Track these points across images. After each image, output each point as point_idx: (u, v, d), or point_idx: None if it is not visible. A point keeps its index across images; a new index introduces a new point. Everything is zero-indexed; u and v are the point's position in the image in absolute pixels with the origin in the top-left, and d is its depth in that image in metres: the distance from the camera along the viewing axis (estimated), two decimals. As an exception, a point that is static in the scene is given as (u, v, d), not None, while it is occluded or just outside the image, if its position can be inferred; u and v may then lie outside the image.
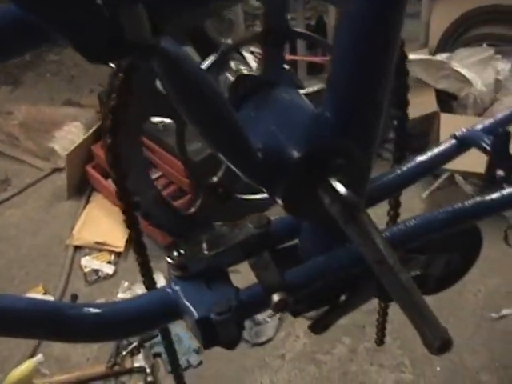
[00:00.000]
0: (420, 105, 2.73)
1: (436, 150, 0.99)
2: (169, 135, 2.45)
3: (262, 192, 0.82)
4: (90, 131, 2.96)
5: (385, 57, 0.69)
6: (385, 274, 0.70)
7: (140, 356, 2.12)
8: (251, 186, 0.82)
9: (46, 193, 3.00)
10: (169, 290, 0.76)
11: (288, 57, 3.04)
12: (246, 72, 0.87)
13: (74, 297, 2.40)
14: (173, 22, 0.61)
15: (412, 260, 0.90)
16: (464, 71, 2.80)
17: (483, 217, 0.89)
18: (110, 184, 2.68)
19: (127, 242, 2.52)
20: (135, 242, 0.88)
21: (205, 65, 0.83)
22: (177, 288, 0.75)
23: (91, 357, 2.16)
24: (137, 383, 2.05)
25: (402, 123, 0.97)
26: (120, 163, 0.79)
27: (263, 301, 0.74)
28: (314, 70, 3.26)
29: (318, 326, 0.89)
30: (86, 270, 2.50)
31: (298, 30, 0.90)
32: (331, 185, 0.70)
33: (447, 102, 2.91)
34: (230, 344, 0.76)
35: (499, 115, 1.05)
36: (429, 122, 2.77)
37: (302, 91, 0.91)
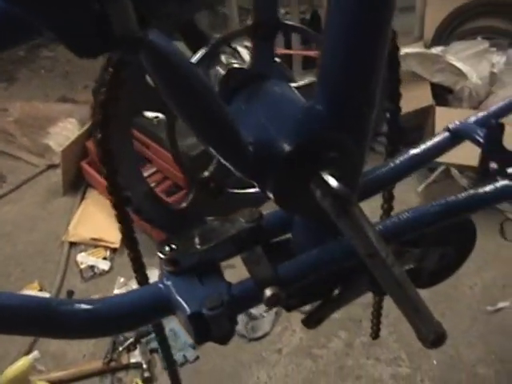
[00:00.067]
0: (415, 98, 2.73)
1: (429, 143, 0.99)
2: (164, 130, 2.42)
3: (254, 186, 0.82)
4: (85, 127, 2.96)
5: (376, 48, 0.69)
6: (377, 267, 0.69)
7: (136, 352, 2.12)
8: (243, 181, 0.81)
9: (41, 189, 3.00)
10: (161, 286, 0.75)
11: (283, 51, 3.03)
12: (236, 65, 0.86)
13: (70, 293, 2.40)
14: (160, 15, 0.60)
15: (406, 253, 0.89)
16: (459, 64, 2.80)
17: (477, 209, 0.88)
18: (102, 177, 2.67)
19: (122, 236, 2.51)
20: (127, 237, 0.88)
21: (195, 58, 0.83)
22: (169, 283, 0.75)
23: (87, 353, 2.15)
24: (133, 379, 2.05)
25: (394, 116, 0.97)
26: (110, 158, 0.78)
27: (256, 295, 0.74)
28: (309, 64, 3.25)
29: (312, 321, 0.89)
30: (82, 267, 2.49)
31: (288, 22, 0.89)
32: (323, 178, 0.70)
33: (442, 95, 2.91)
34: (223, 339, 0.75)
35: (492, 107, 1.05)
36: (424, 116, 2.77)
37: (293, 84, 0.91)
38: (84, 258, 2.53)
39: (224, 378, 2.04)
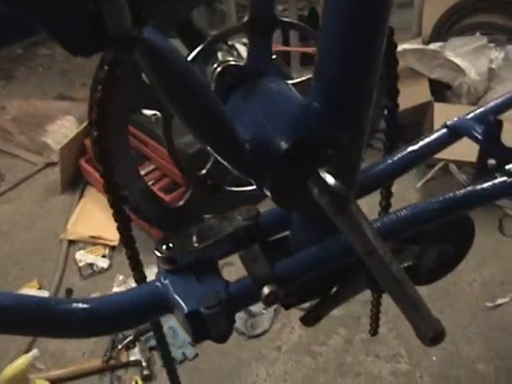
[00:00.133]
0: (413, 94, 2.73)
1: (427, 140, 0.99)
2: (161, 128, 2.43)
3: (251, 184, 0.82)
4: (83, 125, 2.95)
5: (373, 45, 0.69)
6: (375, 265, 0.69)
7: (136, 350, 2.11)
8: (241, 179, 0.81)
9: (39, 187, 2.99)
10: (158, 284, 0.75)
11: (281, 48, 3.03)
12: (233, 62, 0.86)
13: (69, 291, 2.39)
14: (155, 13, 0.60)
15: (404, 250, 0.89)
16: (457, 60, 2.79)
17: (475, 206, 0.88)
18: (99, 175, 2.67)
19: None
20: (124, 236, 0.88)
21: (191, 56, 0.82)
22: (166, 282, 0.75)
23: (87, 351, 2.15)
24: (133, 377, 2.05)
25: (392, 112, 0.96)
26: (107, 156, 0.78)
27: (253, 293, 0.74)
28: (307, 60, 3.25)
29: (310, 318, 0.89)
30: (81, 264, 2.48)
31: (285, 19, 0.89)
32: (320, 176, 0.70)
33: (441, 91, 2.90)
34: (221, 338, 0.75)
35: (490, 104, 1.05)
36: (422, 112, 2.76)
37: (290, 81, 0.91)
38: (83, 256, 2.52)
39: (223, 375, 2.03)
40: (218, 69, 0.85)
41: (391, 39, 0.87)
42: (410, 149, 0.97)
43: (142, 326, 2.06)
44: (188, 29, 0.87)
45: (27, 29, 0.62)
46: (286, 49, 3.06)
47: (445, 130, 1.00)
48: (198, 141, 0.76)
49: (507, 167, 0.90)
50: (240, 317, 2.14)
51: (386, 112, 0.96)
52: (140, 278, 0.93)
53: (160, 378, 2.04)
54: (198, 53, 0.83)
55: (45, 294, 2.36)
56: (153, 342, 2.11)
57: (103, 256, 2.52)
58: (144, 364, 2.06)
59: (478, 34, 2.96)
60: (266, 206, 0.85)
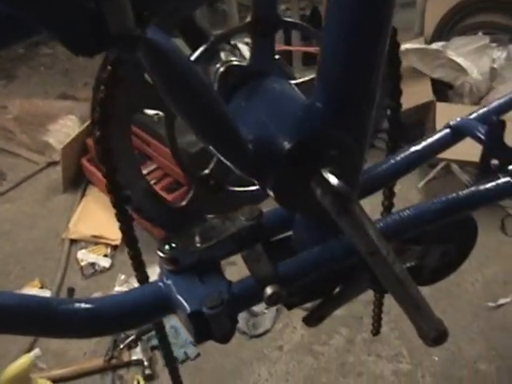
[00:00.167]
0: (416, 94, 2.72)
1: (430, 140, 0.99)
2: (164, 127, 2.43)
3: (254, 184, 0.82)
4: (85, 124, 2.95)
5: (376, 45, 0.68)
6: (378, 265, 0.69)
7: (138, 349, 2.11)
8: (243, 178, 0.81)
9: (41, 187, 2.99)
10: (161, 284, 0.75)
11: (283, 47, 3.02)
12: (235, 62, 0.86)
13: (71, 290, 2.39)
14: (158, 12, 0.60)
15: (407, 251, 0.89)
16: (460, 60, 2.79)
17: (478, 207, 0.88)
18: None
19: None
20: (127, 236, 0.88)
21: (194, 56, 0.82)
22: (169, 282, 0.75)
23: (88, 351, 2.15)
24: (135, 376, 2.05)
25: (395, 112, 0.96)
26: (110, 156, 0.78)
27: (256, 294, 0.74)
28: (309, 60, 3.24)
29: (313, 318, 0.89)
30: (83, 264, 2.49)
31: (288, 19, 0.89)
32: (323, 176, 0.69)
33: (443, 91, 2.90)
34: (224, 338, 0.75)
35: (493, 104, 1.04)
36: (425, 112, 2.76)
37: (293, 81, 0.90)
38: (85, 256, 2.52)
39: (225, 374, 2.03)
40: (221, 69, 0.85)
41: (394, 39, 0.86)
42: (413, 149, 0.96)
43: (144, 326, 2.06)
44: (191, 28, 0.87)
45: (28, 29, 0.62)
46: (287, 48, 3.05)
47: (448, 130, 1.00)
48: (200, 141, 0.76)
49: (510, 167, 0.90)
50: (242, 316, 2.14)
51: (388, 112, 0.96)
52: (142, 277, 0.93)
53: (162, 377, 2.04)
54: (201, 53, 0.83)
55: (47, 293, 2.36)
56: (155, 342, 2.11)
57: (105, 255, 2.52)
58: (146, 363, 2.06)
59: (480, 33, 2.96)
60: (269, 206, 0.85)
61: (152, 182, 2.46)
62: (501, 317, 2.13)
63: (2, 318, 0.68)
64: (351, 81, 0.70)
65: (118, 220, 0.84)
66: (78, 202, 2.82)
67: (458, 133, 0.99)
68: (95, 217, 2.69)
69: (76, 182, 2.93)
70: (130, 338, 2.12)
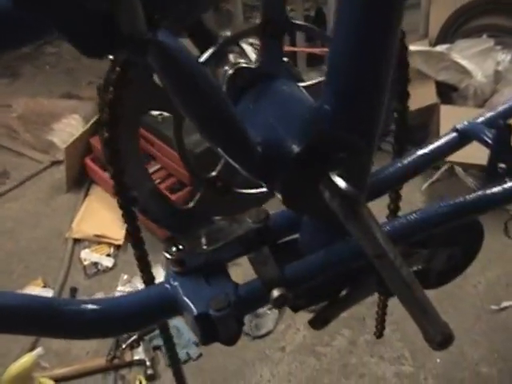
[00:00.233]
0: (420, 96, 2.72)
1: (437, 143, 0.99)
2: (168, 127, 2.43)
3: (261, 186, 0.81)
4: (89, 124, 2.95)
5: (385, 48, 0.68)
6: (385, 268, 0.69)
7: (140, 349, 2.12)
8: (251, 180, 0.81)
9: (44, 186, 2.99)
10: (167, 286, 0.75)
11: (287, 48, 3.02)
12: (244, 65, 0.86)
13: (74, 290, 2.39)
14: (170, 15, 0.60)
15: (414, 254, 0.89)
16: (464, 62, 2.79)
17: (485, 211, 0.88)
18: (108, 177, 2.67)
19: (127, 234, 2.51)
20: (134, 237, 0.88)
21: (203, 58, 0.82)
22: (175, 284, 0.75)
23: (91, 350, 2.15)
24: (137, 376, 2.05)
25: (402, 115, 0.96)
26: (118, 158, 0.78)
27: (263, 296, 0.74)
28: (313, 61, 3.24)
29: (318, 321, 0.89)
30: (86, 263, 2.49)
31: (298, 21, 0.88)
32: (331, 179, 0.69)
33: (447, 93, 2.90)
34: (230, 340, 0.75)
35: (500, 107, 1.04)
36: (429, 114, 2.76)
37: (301, 84, 0.90)
38: (87, 255, 2.52)
39: (227, 375, 2.04)
40: (230, 71, 0.85)
41: (403, 42, 0.86)
42: (420, 152, 0.96)
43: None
44: (199, 30, 0.87)
45: (39, 30, 0.62)
46: (292, 49, 3.05)
47: (455, 134, 0.99)
48: (208, 143, 0.75)
49: (517, 172, 0.90)
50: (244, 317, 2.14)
51: (396, 115, 0.96)
52: (148, 278, 0.93)
53: (164, 377, 2.04)
54: (209, 55, 0.82)
55: (49, 292, 2.36)
56: (157, 342, 2.12)
57: (108, 255, 2.52)
58: (148, 363, 2.06)
59: (484, 36, 2.95)
60: (275, 208, 0.85)
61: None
62: (503, 319, 2.13)
63: (8, 318, 0.69)
64: (360, 84, 0.70)
65: (126, 222, 0.84)
66: (82, 201, 2.82)
67: (464, 137, 0.99)
68: (98, 216, 2.69)
69: (79, 182, 2.93)
70: (133, 338, 2.12)
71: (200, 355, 2.09)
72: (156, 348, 2.12)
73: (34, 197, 2.93)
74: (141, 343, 2.13)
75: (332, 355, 2.07)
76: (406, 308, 0.71)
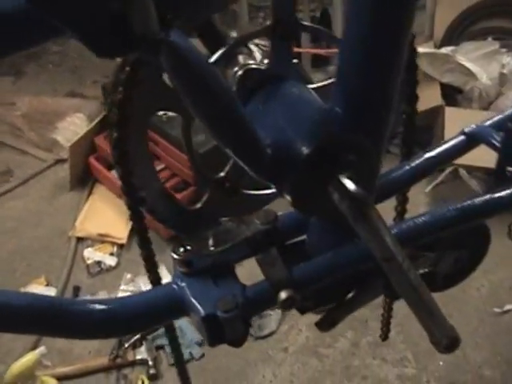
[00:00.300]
0: (425, 98, 2.71)
1: (445, 146, 0.99)
2: (173, 127, 2.43)
3: (270, 187, 0.81)
4: (93, 122, 2.94)
5: (395, 50, 0.68)
6: (393, 271, 0.69)
7: (142, 348, 2.12)
8: (259, 181, 0.81)
9: (48, 184, 2.99)
10: (174, 287, 0.75)
11: (292, 49, 3.01)
12: (254, 66, 0.86)
13: (77, 289, 2.39)
14: (182, 15, 0.60)
15: (421, 257, 0.89)
16: (469, 65, 2.78)
17: (493, 214, 0.88)
18: (112, 175, 2.67)
19: (130, 233, 2.51)
20: (141, 237, 0.87)
21: (213, 58, 0.82)
22: (183, 284, 0.75)
23: (93, 349, 2.15)
24: (139, 376, 2.05)
25: (411, 118, 0.96)
26: (126, 158, 0.78)
27: (270, 298, 0.74)
28: (318, 62, 3.24)
29: (325, 323, 0.89)
30: (89, 262, 2.48)
31: (307, 23, 0.88)
32: (341, 181, 0.69)
33: (452, 95, 2.89)
34: (237, 341, 0.75)
35: (508, 111, 1.04)
36: (433, 116, 2.75)
37: (310, 86, 0.90)
38: (91, 254, 2.52)
39: (230, 375, 2.04)
40: (240, 72, 0.85)
41: (412, 45, 0.86)
42: (428, 155, 0.96)
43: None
44: (209, 31, 0.87)
45: (51, 30, 0.62)
46: (297, 50, 3.04)
47: (462, 137, 0.99)
48: (218, 144, 0.75)
49: (526, 176, 0.90)
50: (247, 318, 2.14)
51: (404, 117, 0.96)
52: (155, 279, 0.93)
53: (166, 376, 2.04)
54: (220, 56, 0.82)
55: (52, 291, 2.36)
56: (159, 341, 2.12)
57: (111, 254, 2.52)
58: (150, 363, 2.06)
59: (490, 38, 2.95)
60: (283, 210, 0.85)
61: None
62: (506, 322, 2.13)
63: (14, 317, 0.69)
64: (370, 86, 0.70)
65: (134, 222, 0.84)
66: (85, 200, 2.82)
67: (472, 140, 0.99)
68: (102, 215, 2.69)
69: (83, 180, 2.92)
70: (135, 338, 2.12)
71: (202, 355, 2.09)
72: (159, 347, 2.12)
73: (37, 195, 2.93)
74: (143, 343, 2.13)
75: (334, 357, 2.07)
76: (413, 311, 0.71)
